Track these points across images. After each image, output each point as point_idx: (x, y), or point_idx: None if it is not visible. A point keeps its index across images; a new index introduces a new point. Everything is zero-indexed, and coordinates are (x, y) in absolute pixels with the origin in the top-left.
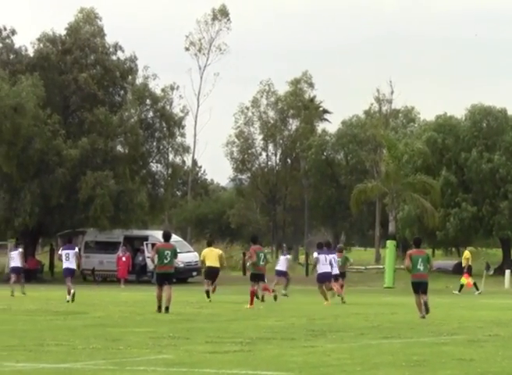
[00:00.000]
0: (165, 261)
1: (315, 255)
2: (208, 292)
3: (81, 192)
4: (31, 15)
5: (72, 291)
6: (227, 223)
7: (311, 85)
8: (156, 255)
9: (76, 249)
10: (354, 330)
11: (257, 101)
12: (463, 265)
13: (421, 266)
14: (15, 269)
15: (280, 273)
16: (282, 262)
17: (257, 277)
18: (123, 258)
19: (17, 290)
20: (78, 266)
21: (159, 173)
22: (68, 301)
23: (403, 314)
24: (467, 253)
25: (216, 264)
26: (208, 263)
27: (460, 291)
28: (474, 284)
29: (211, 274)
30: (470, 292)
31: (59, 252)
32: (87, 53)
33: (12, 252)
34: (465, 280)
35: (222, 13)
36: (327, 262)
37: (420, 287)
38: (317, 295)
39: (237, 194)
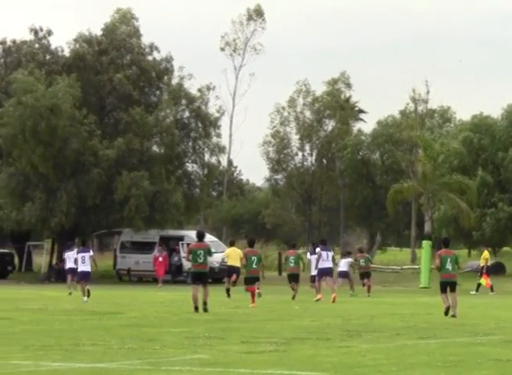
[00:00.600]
0: (199, 260)
1: (318, 250)
2: (228, 290)
3: (117, 192)
4: (67, 15)
5: (87, 288)
6: (262, 223)
7: (349, 85)
8: (190, 255)
9: (91, 252)
10: (390, 330)
11: (294, 101)
12: (481, 265)
13: (449, 266)
14: (71, 270)
15: (343, 274)
16: (343, 264)
17: (251, 281)
18: (160, 259)
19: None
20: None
21: (195, 173)
22: (86, 301)
23: (439, 314)
24: (486, 253)
25: (237, 263)
26: (230, 262)
27: (477, 290)
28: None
29: (232, 273)
30: (485, 292)
31: (75, 257)
32: (123, 53)
33: (68, 253)
34: (484, 280)
35: (257, 13)
36: (328, 259)
37: (449, 287)
38: (352, 295)
39: (273, 194)
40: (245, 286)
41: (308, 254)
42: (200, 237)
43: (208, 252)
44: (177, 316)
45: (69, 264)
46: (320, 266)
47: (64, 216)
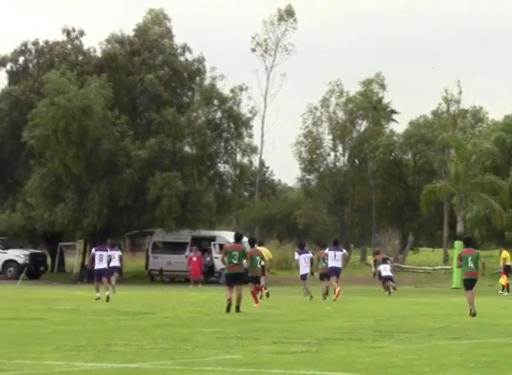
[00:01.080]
0: (234, 261)
1: (326, 251)
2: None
3: (149, 193)
4: (100, 16)
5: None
6: (294, 224)
7: (383, 87)
8: (225, 256)
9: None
10: (422, 330)
11: (327, 102)
12: (500, 265)
13: (471, 264)
14: (115, 269)
15: (388, 279)
16: (387, 268)
17: (254, 279)
18: (194, 258)
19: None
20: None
21: (227, 174)
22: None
23: (472, 315)
24: (504, 253)
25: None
26: None
27: (504, 290)
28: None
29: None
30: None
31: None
32: (155, 54)
33: (111, 252)
34: (503, 280)
35: (288, 13)
36: (336, 258)
37: (470, 284)
38: (382, 295)
39: (305, 194)
40: (251, 286)
41: (296, 254)
42: (238, 238)
43: (243, 254)
44: (209, 317)
45: (112, 263)
46: (329, 265)
47: (96, 216)
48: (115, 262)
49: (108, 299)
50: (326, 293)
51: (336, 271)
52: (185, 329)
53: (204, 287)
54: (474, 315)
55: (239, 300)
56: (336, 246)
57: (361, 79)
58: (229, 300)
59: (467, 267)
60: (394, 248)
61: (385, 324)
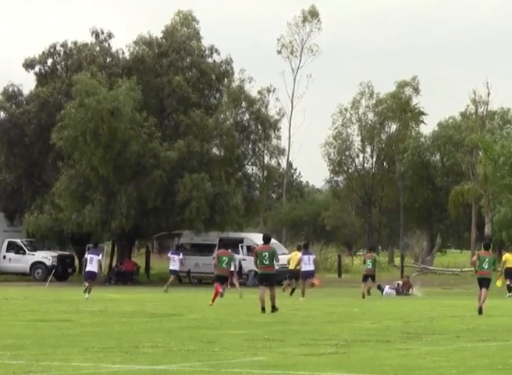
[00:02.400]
0: (265, 262)
1: (300, 255)
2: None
3: (178, 195)
4: (128, 18)
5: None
6: (322, 225)
7: (417, 91)
8: (256, 258)
9: (101, 256)
10: (450, 332)
11: (357, 103)
12: (500, 267)
13: (485, 265)
14: (173, 272)
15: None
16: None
17: (220, 279)
18: None
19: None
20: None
21: (254, 176)
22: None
23: (499, 316)
24: (506, 256)
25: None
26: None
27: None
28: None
29: (306, 277)
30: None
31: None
32: (183, 56)
33: (171, 255)
34: (499, 282)
35: (312, 14)
36: (309, 262)
37: (483, 283)
38: (411, 298)
39: (333, 196)
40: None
41: (300, 254)
42: (267, 240)
43: (273, 254)
44: (237, 318)
45: (171, 266)
46: (303, 269)
47: (124, 218)
48: (175, 266)
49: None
50: (368, 292)
51: (310, 274)
52: (212, 331)
53: (232, 289)
54: (480, 312)
55: (273, 299)
56: (306, 250)
57: (396, 80)
58: (263, 300)
59: (481, 267)
60: (422, 250)
61: (412, 326)
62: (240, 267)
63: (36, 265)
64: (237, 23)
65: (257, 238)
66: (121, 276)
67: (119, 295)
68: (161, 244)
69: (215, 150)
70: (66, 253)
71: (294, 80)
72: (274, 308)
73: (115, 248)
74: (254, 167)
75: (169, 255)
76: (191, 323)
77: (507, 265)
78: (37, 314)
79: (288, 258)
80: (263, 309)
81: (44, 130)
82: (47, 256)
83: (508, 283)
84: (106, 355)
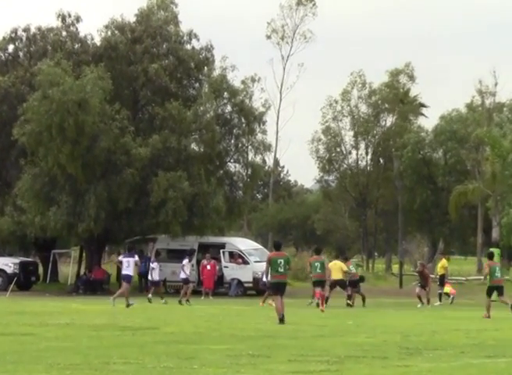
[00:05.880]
0: (280, 270)
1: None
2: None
3: (152, 195)
4: (98, 0)
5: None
6: (312, 229)
7: (412, 78)
8: (269, 266)
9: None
10: (454, 347)
11: (348, 94)
12: (440, 274)
13: (498, 273)
14: (185, 280)
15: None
16: None
17: (318, 284)
18: (208, 267)
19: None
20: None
21: (237, 174)
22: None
23: (508, 330)
24: (444, 262)
25: (340, 276)
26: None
27: (440, 300)
28: (440, 295)
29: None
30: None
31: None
32: (159, 42)
33: (124, 258)
34: (448, 288)
35: None
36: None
37: (497, 290)
38: (412, 309)
39: (324, 196)
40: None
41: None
42: (278, 246)
43: (288, 262)
44: (218, 332)
45: (182, 274)
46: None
47: (93, 221)
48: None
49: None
50: (350, 301)
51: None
52: (191, 345)
53: (213, 300)
54: (487, 317)
55: (282, 310)
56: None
57: (388, 69)
58: (280, 311)
59: (495, 276)
60: (423, 256)
61: (412, 340)
62: (222, 275)
63: None
64: (219, 5)
65: (240, 243)
66: (90, 285)
67: (87, 306)
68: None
69: (193, 146)
70: (29, 260)
71: (284, 68)
72: (283, 321)
73: (84, 254)
74: (237, 165)
75: (121, 258)
76: (167, 337)
77: (441, 272)
78: None
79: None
80: (281, 320)
81: (5, 124)
82: (8, 263)
83: (440, 291)
84: (73, 372)
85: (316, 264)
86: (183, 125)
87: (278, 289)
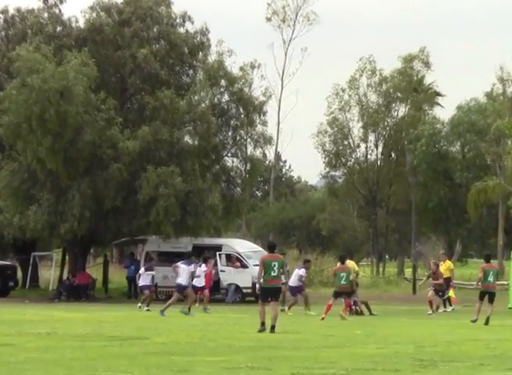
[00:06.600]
0: (273, 273)
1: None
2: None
3: (141, 192)
4: None
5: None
6: (317, 230)
7: (427, 65)
8: (262, 269)
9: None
10: (472, 359)
11: (356, 82)
12: (445, 276)
13: (491, 278)
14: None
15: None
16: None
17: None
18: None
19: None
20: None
21: (235, 170)
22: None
23: None
24: (450, 263)
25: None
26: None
27: (449, 305)
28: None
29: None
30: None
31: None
32: (149, 25)
33: (199, 269)
34: (453, 292)
35: None
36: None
37: (487, 296)
38: (427, 317)
39: (330, 194)
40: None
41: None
42: (272, 248)
43: (283, 265)
44: (214, 342)
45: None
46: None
47: (76, 221)
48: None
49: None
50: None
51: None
52: (184, 357)
53: (208, 307)
54: (473, 321)
55: (275, 318)
56: (342, 263)
57: (401, 54)
58: (263, 320)
59: (487, 281)
60: (438, 259)
61: (427, 352)
62: (218, 280)
63: None
64: None
65: (238, 245)
66: (73, 290)
67: (70, 314)
68: (121, 252)
69: (187, 138)
70: (7, 263)
71: (285, 54)
72: (273, 329)
73: (67, 257)
74: (235, 159)
75: (179, 263)
76: (159, 348)
77: (447, 274)
78: None
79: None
80: (263, 324)
81: None
82: None
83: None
84: None
85: (342, 275)
86: (176, 116)
87: (270, 295)
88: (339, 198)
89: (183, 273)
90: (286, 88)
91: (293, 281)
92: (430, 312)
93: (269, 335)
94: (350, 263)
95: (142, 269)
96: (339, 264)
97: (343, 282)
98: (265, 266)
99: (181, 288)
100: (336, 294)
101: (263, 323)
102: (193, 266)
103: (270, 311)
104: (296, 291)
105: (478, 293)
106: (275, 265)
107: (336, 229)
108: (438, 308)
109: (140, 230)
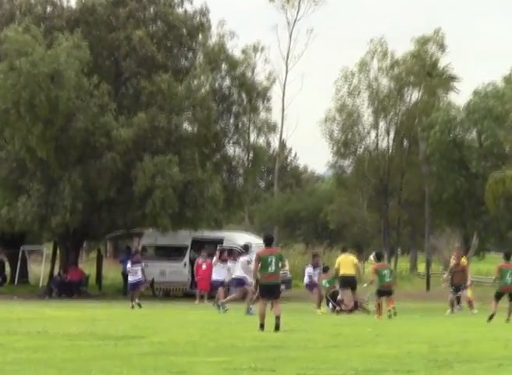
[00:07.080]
0: (270, 269)
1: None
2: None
3: (137, 183)
4: None
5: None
6: (325, 223)
7: (442, 47)
8: (259, 264)
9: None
10: (490, 359)
11: (366, 65)
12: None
13: (509, 278)
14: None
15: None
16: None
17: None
18: (204, 266)
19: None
20: None
21: (237, 159)
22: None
23: None
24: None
25: (352, 272)
26: (343, 271)
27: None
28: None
29: (347, 283)
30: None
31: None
32: (145, 5)
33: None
34: (470, 291)
35: None
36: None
37: (507, 296)
38: (441, 315)
39: (338, 185)
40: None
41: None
42: (269, 241)
43: (280, 259)
44: (215, 342)
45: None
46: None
47: (68, 213)
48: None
49: None
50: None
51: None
52: (184, 357)
53: (209, 304)
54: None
55: (278, 316)
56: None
57: (414, 36)
58: (262, 322)
59: (504, 281)
60: (453, 254)
61: (441, 352)
62: None
63: None
64: None
65: (240, 239)
66: (65, 287)
67: (62, 312)
68: (116, 246)
69: (186, 125)
70: None
71: (290, 36)
72: (278, 319)
73: (58, 252)
74: (237, 147)
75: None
76: (156, 348)
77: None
78: None
79: (338, 261)
80: (262, 326)
81: None
82: None
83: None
84: None
85: (385, 272)
86: (174, 101)
87: (269, 292)
88: (348, 189)
89: (239, 266)
90: (291, 72)
91: (305, 280)
92: (475, 310)
93: (273, 334)
94: (349, 257)
95: (129, 265)
96: (377, 262)
97: (387, 279)
98: (262, 261)
99: (240, 283)
100: (381, 293)
101: (262, 325)
102: (241, 258)
103: (274, 309)
104: (310, 288)
105: (495, 292)
106: (272, 260)
107: (345, 222)
108: (452, 304)
109: (136, 222)
